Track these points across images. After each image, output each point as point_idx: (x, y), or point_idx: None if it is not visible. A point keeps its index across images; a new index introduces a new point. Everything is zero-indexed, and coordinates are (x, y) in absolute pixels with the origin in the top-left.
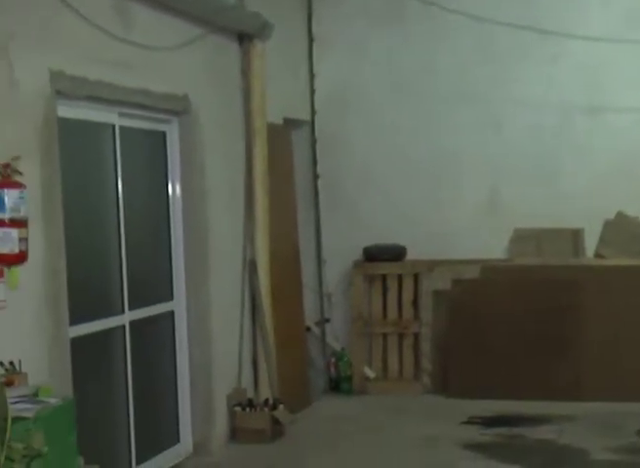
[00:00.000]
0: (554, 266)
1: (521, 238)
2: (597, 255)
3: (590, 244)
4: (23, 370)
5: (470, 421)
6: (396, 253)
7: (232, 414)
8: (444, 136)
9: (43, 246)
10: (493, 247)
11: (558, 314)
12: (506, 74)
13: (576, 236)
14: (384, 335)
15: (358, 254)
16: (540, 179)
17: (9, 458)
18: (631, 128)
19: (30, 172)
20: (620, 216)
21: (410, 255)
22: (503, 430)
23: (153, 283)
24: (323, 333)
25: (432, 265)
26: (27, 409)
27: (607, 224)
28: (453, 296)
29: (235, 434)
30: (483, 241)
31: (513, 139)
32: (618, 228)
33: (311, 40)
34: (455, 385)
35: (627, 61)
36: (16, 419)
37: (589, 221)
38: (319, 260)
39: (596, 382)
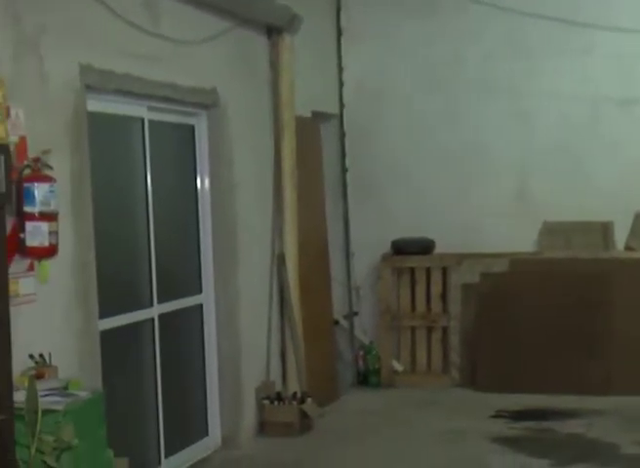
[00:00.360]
0: (584, 259)
1: (550, 231)
2: (627, 248)
3: (620, 237)
4: (53, 363)
5: (498, 415)
6: (425, 247)
7: (260, 408)
8: (474, 129)
9: (73, 239)
10: (522, 240)
11: (587, 308)
12: (536, 66)
13: (605, 229)
14: (413, 329)
15: (386, 248)
16: (570, 172)
17: (39, 451)
18: None
19: (60, 165)
20: None
21: (438, 249)
22: (532, 424)
23: (182, 276)
24: (351, 327)
25: (461, 259)
26: (57, 402)
27: (638, 217)
28: (481, 290)
29: (263, 427)
30: (512, 234)
31: (543, 132)
32: None
33: (340, 33)
34: (483, 379)
35: None
36: (46, 412)
37: (619, 214)
38: (347, 254)
39: (626, 376)
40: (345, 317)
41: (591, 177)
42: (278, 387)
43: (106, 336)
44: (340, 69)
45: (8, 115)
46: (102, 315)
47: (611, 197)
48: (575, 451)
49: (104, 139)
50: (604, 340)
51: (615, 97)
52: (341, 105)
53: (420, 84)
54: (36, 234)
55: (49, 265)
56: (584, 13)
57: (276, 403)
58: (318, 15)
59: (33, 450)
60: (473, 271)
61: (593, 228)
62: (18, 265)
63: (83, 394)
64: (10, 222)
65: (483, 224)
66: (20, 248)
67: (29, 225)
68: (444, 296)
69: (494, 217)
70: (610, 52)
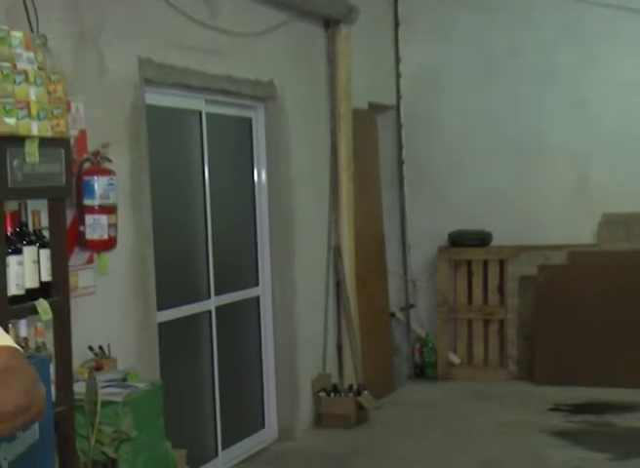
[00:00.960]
0: None
1: (610, 223)
2: None
3: None
4: (112, 354)
5: (556, 408)
6: (482, 239)
7: (317, 400)
8: (532, 119)
9: (131, 232)
10: (581, 232)
11: None
12: (595, 55)
13: None
14: (469, 321)
15: (443, 240)
16: (631, 162)
17: (98, 442)
18: None
19: (119, 159)
20: None
21: (496, 241)
22: (590, 417)
23: (239, 269)
24: (407, 319)
25: (518, 250)
26: (116, 394)
27: None
28: (539, 282)
29: (319, 419)
30: (571, 226)
31: (602, 122)
32: None
33: (397, 23)
34: (541, 372)
35: None
36: (105, 403)
37: None
38: (404, 246)
39: None
40: (402, 309)
41: None
42: (334, 379)
43: (164, 328)
44: (398, 60)
45: (68, 109)
46: (160, 307)
47: None
48: (633, 445)
49: (162, 133)
50: None
51: None
52: (398, 97)
53: (478, 74)
54: (96, 227)
55: (108, 258)
56: None
57: (332, 395)
58: (375, 6)
59: (92, 441)
60: (531, 263)
61: None
62: (77, 258)
63: (141, 385)
64: (70, 215)
65: (541, 216)
66: (80, 240)
67: (89, 218)
68: (501, 289)
69: (552, 209)
70: None
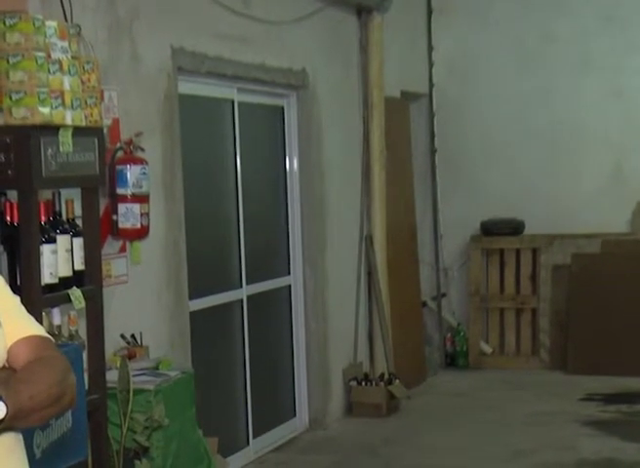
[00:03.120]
0: None
1: None
2: None
3: None
4: (144, 343)
5: (589, 398)
6: (514, 227)
7: (348, 389)
8: (567, 107)
9: (164, 221)
10: (615, 220)
11: None
12: (630, 42)
13: None
14: (501, 311)
15: (475, 229)
16: None
17: (130, 429)
18: None
19: (152, 147)
20: None
21: (528, 229)
22: (624, 407)
23: (271, 258)
24: (439, 308)
25: (551, 239)
26: (148, 382)
27: None
28: (573, 271)
29: (350, 408)
30: (604, 214)
31: (637, 109)
32: None
33: (430, 11)
34: (573, 361)
35: None
36: (137, 391)
37: None
38: (436, 235)
39: None
40: (434, 299)
41: None
42: (365, 368)
43: (196, 317)
44: (430, 48)
45: (102, 98)
46: (192, 296)
47: None
48: None
49: (195, 122)
50: None
51: None
52: (431, 85)
53: (512, 62)
54: (128, 216)
55: (140, 247)
56: None
57: (363, 384)
58: None
59: (125, 429)
60: (564, 252)
61: None
62: (110, 246)
63: (173, 374)
64: (103, 204)
65: (575, 204)
66: (113, 229)
67: (122, 207)
68: (534, 278)
69: (586, 197)
70: None
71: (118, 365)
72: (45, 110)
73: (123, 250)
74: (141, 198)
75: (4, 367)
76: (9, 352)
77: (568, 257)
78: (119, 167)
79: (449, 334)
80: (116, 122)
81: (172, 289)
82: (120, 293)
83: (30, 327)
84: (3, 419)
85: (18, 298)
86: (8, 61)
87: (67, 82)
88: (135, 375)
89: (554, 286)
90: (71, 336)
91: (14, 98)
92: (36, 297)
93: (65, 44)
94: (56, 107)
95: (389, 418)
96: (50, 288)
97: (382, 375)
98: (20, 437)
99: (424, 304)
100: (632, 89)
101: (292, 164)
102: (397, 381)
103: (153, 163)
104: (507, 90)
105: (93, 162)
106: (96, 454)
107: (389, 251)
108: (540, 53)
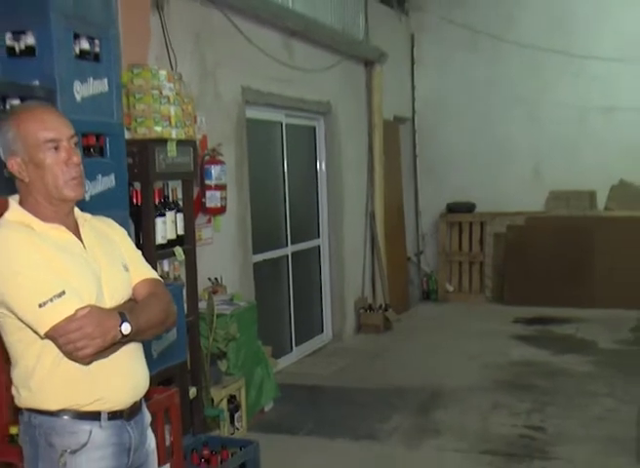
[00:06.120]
0: (577, 217)
1: (554, 197)
2: (606, 209)
3: (601, 201)
4: (224, 283)
5: (517, 321)
6: (469, 208)
7: (358, 314)
8: (502, 128)
9: (236, 202)
10: (535, 203)
11: (579, 249)
12: (545, 84)
13: (592, 196)
14: (460, 263)
15: (443, 208)
16: (567, 154)
17: (214, 340)
18: None
19: (228, 154)
20: (622, 182)
21: (478, 209)
22: (539, 327)
23: (306, 227)
24: (419, 261)
25: (494, 216)
26: (226, 309)
27: (612, 187)
28: (507, 237)
29: (360, 327)
30: (528, 199)
31: (548, 130)
32: (620, 191)
33: (413, 63)
34: (508, 297)
35: None
36: (219, 315)
37: (601, 185)
38: (417, 212)
39: (604, 296)
40: (415, 255)
41: (582, 160)
42: (369, 300)
43: (257, 266)
44: (413, 88)
45: (195, 121)
46: (254, 252)
47: (594, 170)
48: (567, 345)
49: (256, 136)
50: (590, 270)
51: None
52: (413, 112)
53: (466, 98)
54: (212, 199)
55: (221, 219)
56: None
57: (368, 311)
58: (398, 51)
59: (211, 340)
60: (502, 224)
61: (583, 195)
62: (201, 219)
63: (243, 304)
64: (196, 191)
65: (509, 192)
66: (202, 208)
67: (208, 193)
68: (481, 241)
69: (516, 188)
70: None
71: (206, 298)
72: (158, 129)
73: (209, 222)
74: (221, 187)
75: (130, 299)
76: (133, 289)
77: (504, 228)
78: (206, 166)
79: (425, 278)
80: (204, 137)
81: (241, 247)
82: (207, 251)
83: (148, 271)
84: (129, 334)
85: (140, 252)
86: (135, 97)
87: (173, 110)
88: (217, 305)
89: (495, 247)
90: (175, 279)
91: (138, 121)
92: (152, 252)
93: (172, 85)
94: (165, 127)
95: (385, 334)
96: (161, 246)
97: (381, 305)
98: (140, 345)
99: (409, 259)
100: (544, 116)
101: (321, 165)
102: (391, 309)
103: (229, 164)
104: (463, 116)
105: (189, 163)
106: (191, 356)
107: (386, 222)
108: (484, 91)
